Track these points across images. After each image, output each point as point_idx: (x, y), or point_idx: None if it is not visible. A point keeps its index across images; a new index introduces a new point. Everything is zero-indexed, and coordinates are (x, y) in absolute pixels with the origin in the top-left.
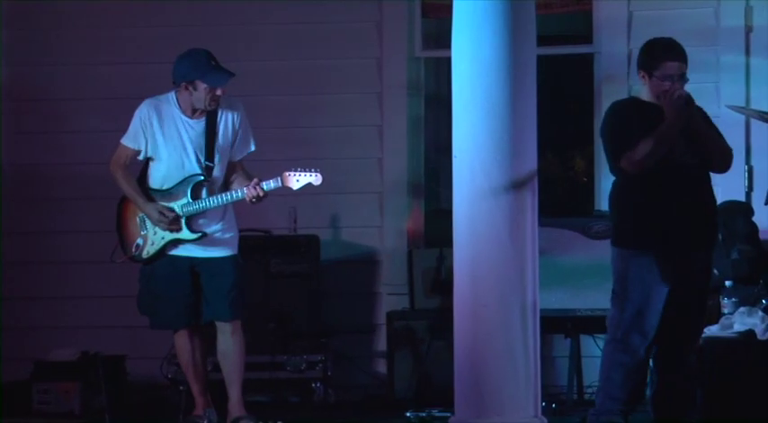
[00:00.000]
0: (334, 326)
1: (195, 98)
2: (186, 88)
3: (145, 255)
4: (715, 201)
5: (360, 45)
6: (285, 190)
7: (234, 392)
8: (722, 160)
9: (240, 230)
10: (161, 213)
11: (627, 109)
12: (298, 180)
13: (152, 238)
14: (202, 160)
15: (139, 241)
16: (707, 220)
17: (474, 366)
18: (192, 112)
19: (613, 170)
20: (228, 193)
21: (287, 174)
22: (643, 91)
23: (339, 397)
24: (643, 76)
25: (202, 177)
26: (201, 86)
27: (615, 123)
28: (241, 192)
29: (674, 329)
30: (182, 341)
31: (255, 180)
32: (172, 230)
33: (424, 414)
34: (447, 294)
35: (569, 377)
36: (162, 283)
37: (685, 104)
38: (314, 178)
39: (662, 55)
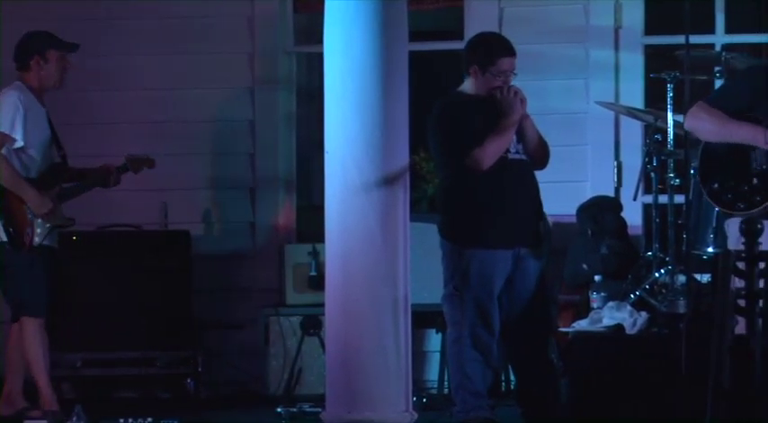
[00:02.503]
0: (205, 322)
1: (46, 73)
2: (38, 63)
3: (35, 243)
4: (540, 197)
5: (231, 40)
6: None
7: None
8: (544, 156)
9: (110, 226)
10: (44, 202)
11: (457, 106)
12: (137, 164)
13: (38, 226)
14: (57, 148)
15: (29, 230)
16: (536, 215)
17: (345, 362)
18: (41, 97)
19: (445, 167)
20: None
21: (127, 156)
22: (467, 84)
23: (210, 393)
24: (474, 72)
25: (62, 165)
26: (54, 56)
27: (449, 122)
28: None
29: (521, 325)
30: (41, 331)
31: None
32: (49, 220)
33: (295, 410)
34: (319, 290)
35: (440, 372)
36: (41, 272)
37: (520, 100)
38: (148, 162)
39: (498, 51)
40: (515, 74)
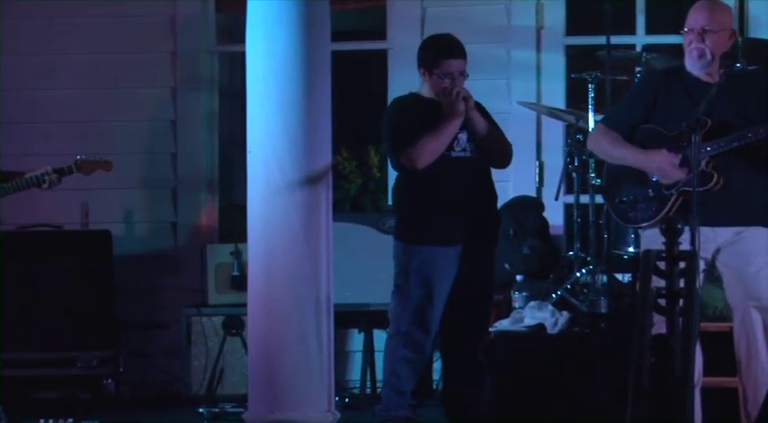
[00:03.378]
0: (127, 322)
1: None
2: None
3: None
4: (495, 196)
5: (153, 39)
6: (77, 177)
7: None
8: (502, 156)
9: (31, 225)
10: None
11: (406, 106)
12: (90, 167)
13: None
14: None
15: None
16: (488, 214)
17: (268, 362)
18: None
19: (395, 166)
20: (26, 179)
21: (78, 159)
22: (423, 87)
23: (132, 393)
24: (424, 73)
25: None
26: None
27: (395, 120)
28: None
29: (459, 324)
30: None
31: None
32: None
33: (217, 410)
34: (241, 290)
35: (363, 371)
36: None
37: (464, 102)
38: (105, 165)
39: (442, 53)
40: (466, 75)
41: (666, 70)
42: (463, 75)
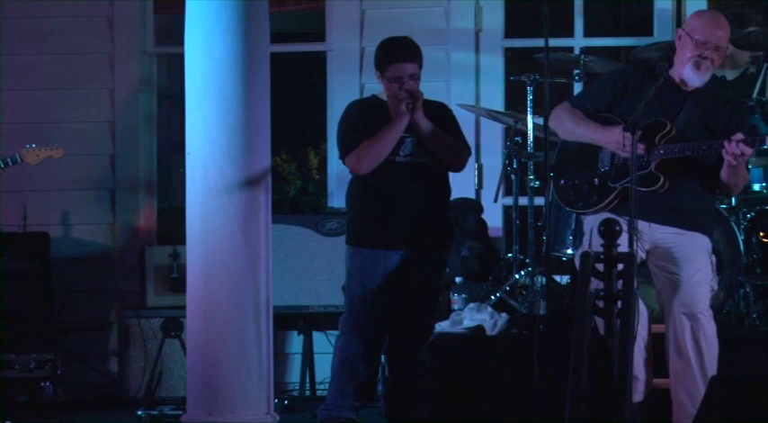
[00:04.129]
0: (65, 324)
1: None
2: None
3: None
4: (447, 199)
5: (91, 40)
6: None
7: None
8: (452, 159)
9: None
10: None
11: (358, 108)
12: (38, 155)
13: None
14: None
15: None
16: (437, 218)
17: (207, 364)
18: None
19: (347, 168)
20: None
21: (25, 148)
22: (382, 89)
23: (70, 396)
24: (379, 76)
25: None
26: None
27: (344, 122)
28: None
29: (403, 325)
30: None
31: None
32: None
33: (155, 412)
34: (180, 292)
35: (302, 373)
36: None
37: (409, 106)
38: (55, 151)
39: (390, 57)
40: (418, 79)
41: (644, 68)
42: (414, 78)
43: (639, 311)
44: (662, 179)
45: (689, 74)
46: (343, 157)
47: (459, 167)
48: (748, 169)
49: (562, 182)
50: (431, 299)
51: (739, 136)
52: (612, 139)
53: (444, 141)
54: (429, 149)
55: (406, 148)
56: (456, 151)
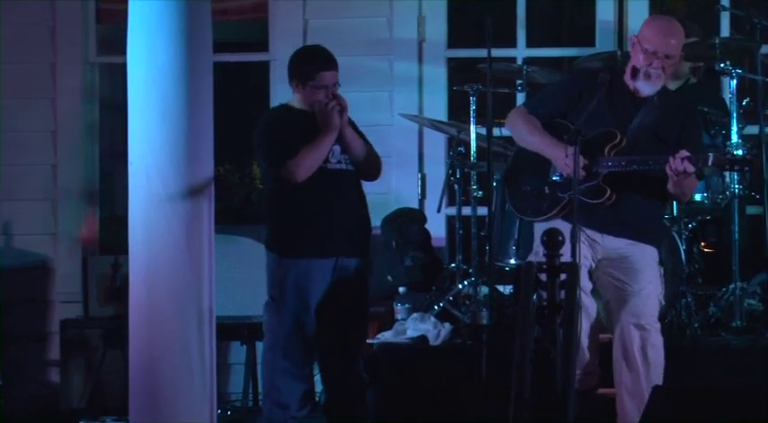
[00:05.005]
0: (6, 334)
1: None
2: None
3: None
4: (367, 208)
5: (33, 50)
6: None
7: None
8: (373, 168)
9: None
10: None
11: (280, 118)
12: None
13: None
14: None
15: None
16: (360, 226)
17: (149, 374)
18: None
19: (268, 178)
20: None
21: None
22: (294, 99)
23: (11, 407)
24: (297, 85)
25: None
26: None
27: (269, 133)
28: None
29: (335, 336)
30: None
31: None
32: None
33: None
34: (122, 302)
35: (245, 384)
36: None
37: (340, 114)
38: None
39: (316, 65)
40: (339, 85)
41: (596, 74)
42: (336, 86)
43: (586, 307)
44: (608, 192)
45: (639, 83)
46: (275, 167)
47: (376, 176)
48: (703, 178)
49: (514, 188)
50: (363, 306)
51: (684, 153)
52: (559, 157)
53: (367, 149)
54: (350, 156)
55: (336, 156)
56: (376, 159)
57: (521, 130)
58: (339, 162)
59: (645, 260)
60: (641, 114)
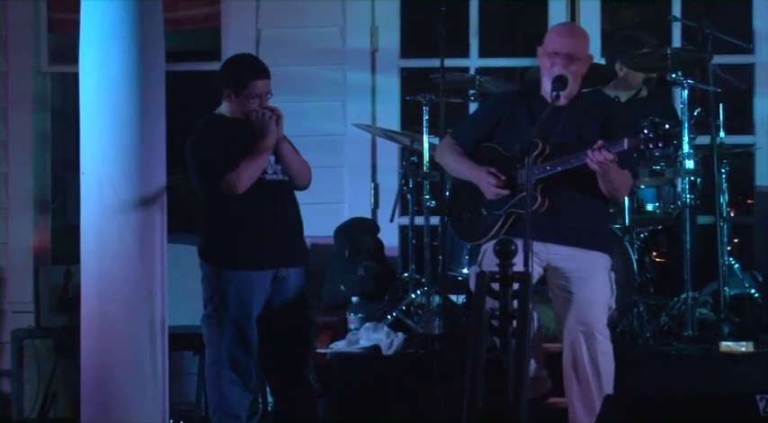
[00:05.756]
0: None
1: None
2: None
3: None
4: (300, 217)
5: None
6: None
7: None
8: (305, 177)
9: None
10: None
11: (214, 128)
12: None
13: None
14: None
15: None
16: (297, 235)
17: (101, 384)
18: None
19: (203, 190)
20: None
21: None
22: (225, 107)
23: None
24: (228, 94)
25: None
26: None
27: (206, 144)
28: None
29: (280, 347)
30: None
31: None
32: None
33: None
34: (74, 312)
35: (197, 394)
36: None
37: (276, 122)
38: None
39: (249, 74)
40: (271, 95)
41: (516, 91)
42: (269, 94)
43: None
44: (539, 199)
45: (547, 85)
46: (213, 178)
47: (306, 185)
48: (636, 173)
49: (456, 217)
50: (305, 314)
51: (600, 143)
52: (481, 180)
53: (300, 159)
54: (284, 166)
55: (272, 166)
56: (307, 169)
57: (447, 160)
58: (275, 173)
59: (591, 267)
60: (562, 121)
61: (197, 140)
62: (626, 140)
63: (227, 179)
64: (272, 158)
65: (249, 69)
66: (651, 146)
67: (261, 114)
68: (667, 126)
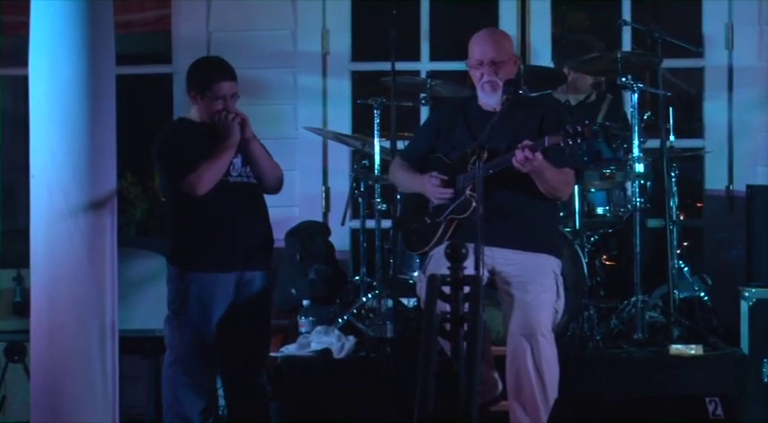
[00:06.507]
0: None
1: None
2: None
3: None
4: (269, 221)
5: None
6: None
7: None
8: (275, 181)
9: None
10: None
11: (178, 131)
12: None
13: None
14: None
15: None
16: (262, 239)
17: (51, 388)
18: None
19: (168, 191)
20: None
21: None
22: (193, 111)
23: None
24: (194, 97)
25: None
26: None
27: (169, 146)
28: None
29: (238, 350)
30: None
31: None
32: None
33: None
34: (24, 316)
35: (147, 398)
36: None
37: (241, 125)
38: None
39: (214, 76)
40: (237, 97)
41: (454, 102)
42: (235, 97)
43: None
44: (473, 204)
45: (482, 97)
46: (175, 180)
47: (278, 189)
48: (579, 169)
49: (405, 229)
50: (265, 319)
51: (526, 142)
52: (424, 184)
53: (270, 161)
54: (253, 169)
55: (236, 169)
56: (278, 172)
57: (398, 177)
58: (240, 175)
59: (535, 270)
60: (499, 125)
61: (161, 143)
62: (547, 138)
63: (187, 180)
64: (239, 161)
65: (213, 71)
66: (571, 142)
67: (223, 116)
68: (587, 122)
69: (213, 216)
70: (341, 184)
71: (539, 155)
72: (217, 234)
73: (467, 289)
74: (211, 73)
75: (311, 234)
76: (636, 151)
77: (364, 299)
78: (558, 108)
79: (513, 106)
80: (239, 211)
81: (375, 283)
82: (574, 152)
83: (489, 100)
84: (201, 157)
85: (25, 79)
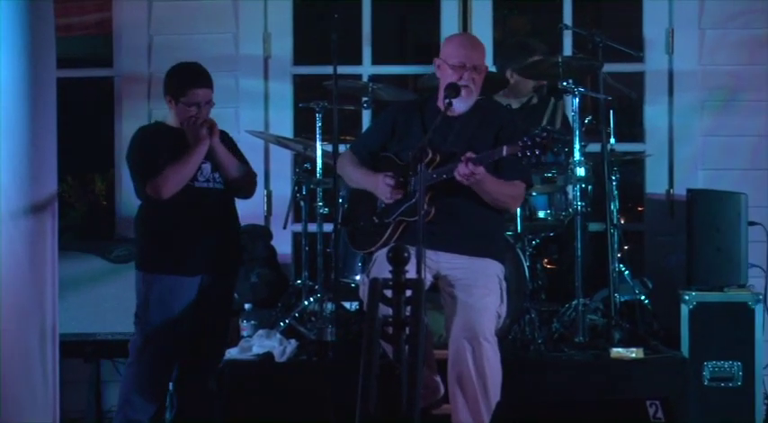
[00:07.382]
0: None
1: None
2: None
3: None
4: (238, 226)
5: None
6: None
7: None
8: (246, 187)
9: None
10: None
11: (151, 135)
12: None
13: None
14: None
15: None
16: (229, 243)
17: None
18: None
19: (139, 195)
20: None
21: None
22: (169, 116)
23: None
24: (170, 102)
25: None
26: None
27: (140, 149)
28: None
29: (195, 353)
30: None
31: None
32: None
33: None
34: None
35: (88, 402)
36: None
37: (208, 131)
38: None
39: (188, 82)
40: (213, 104)
41: (412, 101)
42: (209, 104)
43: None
44: (426, 208)
45: (457, 101)
46: (142, 183)
47: (250, 194)
48: (528, 182)
49: (351, 227)
50: (224, 324)
51: (469, 155)
52: (377, 186)
53: (239, 167)
54: (223, 175)
55: (204, 174)
56: (251, 177)
57: (347, 171)
58: (207, 181)
59: (479, 275)
60: (455, 131)
61: (132, 147)
62: (505, 147)
63: (152, 184)
64: (208, 167)
65: (189, 77)
66: (528, 153)
67: (192, 122)
68: (545, 133)
69: (177, 220)
70: (283, 187)
71: (481, 168)
72: (178, 237)
73: (409, 292)
74: (187, 79)
75: (253, 238)
76: (577, 155)
77: (306, 302)
78: (514, 120)
79: (472, 112)
80: (202, 215)
81: (317, 287)
82: (530, 163)
83: (458, 104)
84: (170, 161)
85: None
